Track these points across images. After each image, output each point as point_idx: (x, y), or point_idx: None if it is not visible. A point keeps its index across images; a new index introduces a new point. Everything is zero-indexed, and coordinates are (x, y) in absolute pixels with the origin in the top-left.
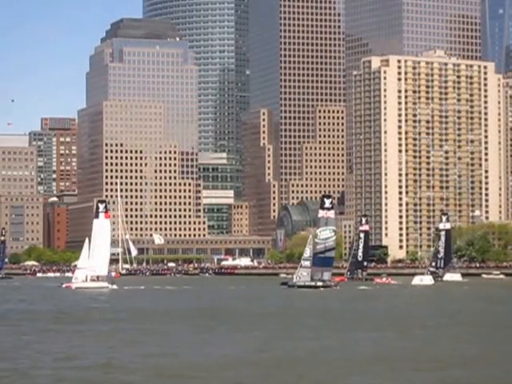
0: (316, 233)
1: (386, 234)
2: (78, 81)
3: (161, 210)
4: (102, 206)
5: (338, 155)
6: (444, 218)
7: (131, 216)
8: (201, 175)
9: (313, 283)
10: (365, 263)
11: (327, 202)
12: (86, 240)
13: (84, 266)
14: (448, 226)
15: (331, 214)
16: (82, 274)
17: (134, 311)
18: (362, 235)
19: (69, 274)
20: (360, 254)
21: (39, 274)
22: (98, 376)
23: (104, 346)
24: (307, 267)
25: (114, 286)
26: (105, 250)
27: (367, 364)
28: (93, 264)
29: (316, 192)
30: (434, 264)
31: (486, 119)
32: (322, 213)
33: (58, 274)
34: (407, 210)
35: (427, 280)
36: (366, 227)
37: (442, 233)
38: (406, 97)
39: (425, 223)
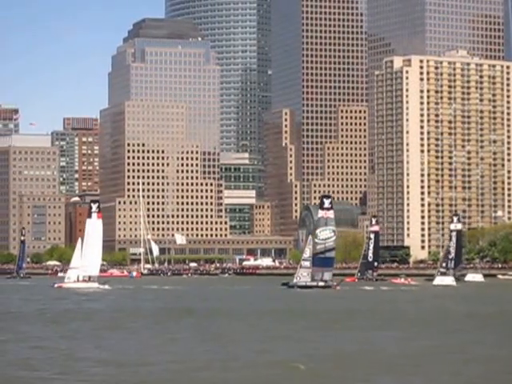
0: (316, 233)
1: (408, 235)
2: (101, 81)
3: (182, 210)
4: (94, 206)
5: (361, 155)
6: (455, 218)
7: (153, 216)
8: (223, 175)
9: (314, 283)
10: (375, 263)
11: (326, 202)
12: (79, 240)
13: (77, 266)
14: (459, 226)
15: (331, 214)
16: (75, 274)
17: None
18: (372, 236)
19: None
20: (370, 254)
21: (61, 274)
22: None
23: None
24: (307, 267)
25: (106, 286)
26: (97, 250)
27: None
28: (85, 264)
29: (338, 192)
30: (444, 265)
31: (508, 119)
32: (321, 213)
33: None
34: (429, 211)
35: (449, 280)
36: (375, 228)
37: (453, 233)
38: (428, 97)
39: (447, 224)
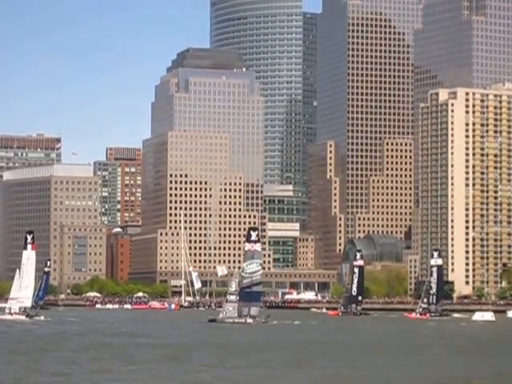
0: (243, 266)
1: (452, 270)
2: (144, 111)
3: (225, 241)
4: (29, 237)
5: (406, 188)
6: (435, 253)
7: (195, 248)
8: (266, 207)
9: (242, 320)
10: (359, 298)
11: (253, 235)
12: (17, 271)
13: (15, 297)
14: (440, 261)
15: (258, 247)
16: (14, 305)
17: None
18: (356, 270)
19: (127, 306)
20: (354, 288)
21: (98, 306)
22: None
23: None
24: (233, 302)
25: (42, 318)
26: (30, 281)
27: None
28: (21, 295)
29: (383, 226)
30: (425, 300)
31: None
32: (248, 246)
33: (116, 306)
34: (474, 245)
35: (488, 316)
36: (360, 262)
37: (434, 269)
38: (473, 130)
39: (492, 259)
